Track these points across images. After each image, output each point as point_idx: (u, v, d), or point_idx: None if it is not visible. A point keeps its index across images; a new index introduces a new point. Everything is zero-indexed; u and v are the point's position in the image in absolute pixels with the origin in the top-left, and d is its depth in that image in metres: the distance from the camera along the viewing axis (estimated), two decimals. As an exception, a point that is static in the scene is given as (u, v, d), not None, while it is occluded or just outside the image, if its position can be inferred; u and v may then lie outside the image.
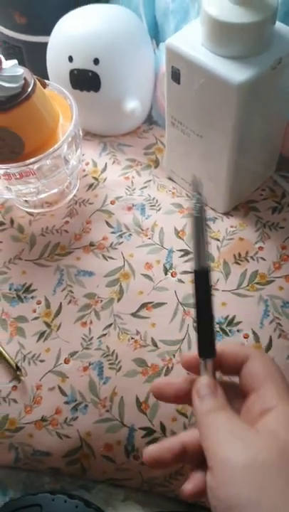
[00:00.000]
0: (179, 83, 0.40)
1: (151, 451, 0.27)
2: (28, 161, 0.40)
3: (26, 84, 0.39)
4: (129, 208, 0.48)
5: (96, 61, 0.46)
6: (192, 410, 0.29)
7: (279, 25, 0.39)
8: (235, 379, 0.28)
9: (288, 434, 0.24)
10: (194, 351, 0.28)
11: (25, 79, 0.39)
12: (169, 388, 0.29)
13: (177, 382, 0.29)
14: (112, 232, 0.47)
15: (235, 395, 0.28)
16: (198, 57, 0.37)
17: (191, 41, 0.38)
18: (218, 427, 0.25)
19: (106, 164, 0.52)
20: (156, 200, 0.49)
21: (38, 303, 0.44)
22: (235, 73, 0.36)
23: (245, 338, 0.40)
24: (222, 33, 0.36)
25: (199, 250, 0.26)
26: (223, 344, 0.29)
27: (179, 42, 0.38)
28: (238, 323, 0.41)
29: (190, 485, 0.26)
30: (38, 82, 0.40)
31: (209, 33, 0.36)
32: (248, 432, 0.24)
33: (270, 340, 0.40)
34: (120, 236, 0.46)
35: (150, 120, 0.56)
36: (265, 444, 0.23)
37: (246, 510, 0.22)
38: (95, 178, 0.50)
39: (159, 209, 0.48)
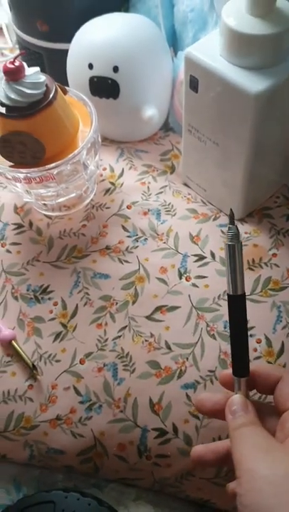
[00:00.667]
0: (196, 92, 0.41)
1: (198, 449, 0.31)
2: (48, 166, 0.41)
3: (48, 90, 0.40)
4: (145, 213, 0.49)
5: (115, 69, 0.47)
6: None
7: (297, 35, 0.39)
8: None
9: None
10: (230, 370, 0.30)
11: (46, 86, 0.40)
12: (208, 400, 0.31)
13: (216, 396, 0.31)
14: (128, 236, 0.48)
15: (270, 414, 0.30)
16: (217, 67, 0.38)
17: (209, 51, 0.39)
18: (245, 440, 0.27)
19: (123, 170, 0.53)
20: (172, 206, 0.50)
21: (55, 304, 0.45)
22: (253, 83, 0.36)
23: (257, 343, 0.41)
24: (240, 44, 0.36)
25: (234, 276, 0.28)
26: (257, 364, 0.31)
27: (198, 52, 0.39)
28: (251, 328, 0.42)
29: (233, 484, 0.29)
30: (59, 89, 0.41)
31: (227, 44, 0.37)
32: (273, 445, 0.27)
33: (283, 345, 0.41)
34: (136, 240, 0.47)
35: (167, 127, 0.56)
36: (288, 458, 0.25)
37: None
38: (112, 183, 0.51)
39: (175, 214, 0.49)
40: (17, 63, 0.38)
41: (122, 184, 0.51)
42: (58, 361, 0.42)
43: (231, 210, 0.29)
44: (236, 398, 0.30)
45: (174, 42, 0.54)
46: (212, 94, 0.39)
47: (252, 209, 0.49)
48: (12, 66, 0.38)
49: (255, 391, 0.32)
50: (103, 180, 0.52)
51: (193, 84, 0.40)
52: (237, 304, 0.29)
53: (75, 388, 0.41)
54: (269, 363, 0.40)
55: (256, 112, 0.37)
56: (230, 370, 0.31)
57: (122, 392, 0.40)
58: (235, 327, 0.30)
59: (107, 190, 0.51)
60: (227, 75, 0.37)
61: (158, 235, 0.47)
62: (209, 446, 0.31)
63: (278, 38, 0.36)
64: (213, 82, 0.38)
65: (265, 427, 0.28)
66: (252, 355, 0.41)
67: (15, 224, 0.49)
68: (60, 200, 0.47)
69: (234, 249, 0.28)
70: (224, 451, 0.30)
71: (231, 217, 0.28)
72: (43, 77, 0.40)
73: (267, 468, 0.25)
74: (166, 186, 0.51)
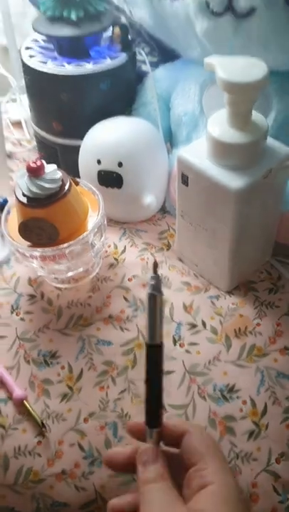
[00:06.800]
0: (187, 186, 0.48)
1: (114, 503, 0.30)
2: (61, 246, 0.48)
3: (63, 184, 0.47)
4: (144, 285, 0.55)
5: (120, 164, 0.55)
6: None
7: (270, 140, 0.47)
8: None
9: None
10: (140, 420, 0.31)
11: (62, 180, 0.48)
12: (118, 457, 0.31)
13: (127, 450, 0.31)
14: (129, 306, 0.53)
15: (180, 465, 0.29)
16: (203, 168, 0.45)
17: (198, 154, 0.46)
18: (152, 498, 0.27)
19: (125, 247, 0.59)
20: (168, 279, 0.56)
21: (62, 368, 0.50)
22: (233, 181, 0.44)
23: (243, 404, 0.46)
24: (222, 150, 0.44)
25: (153, 326, 0.29)
26: (166, 417, 0.31)
27: (188, 154, 0.47)
28: (238, 390, 0.47)
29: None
30: (72, 182, 0.49)
31: (212, 149, 0.45)
32: (179, 508, 0.26)
33: (266, 406, 0.46)
34: (136, 310, 0.53)
35: (164, 210, 0.64)
36: None
37: None
38: (116, 259, 0.58)
39: (170, 286, 0.55)
40: (38, 163, 0.46)
41: (124, 259, 0.58)
42: (64, 420, 0.47)
43: (155, 260, 0.30)
44: (147, 449, 0.29)
45: (171, 139, 0.63)
46: (200, 189, 0.47)
47: (238, 283, 0.55)
48: (34, 165, 0.46)
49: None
50: (108, 256, 0.59)
51: (185, 179, 0.48)
52: (154, 353, 0.29)
53: (79, 445, 0.45)
54: (254, 422, 0.45)
55: (237, 204, 0.45)
56: (139, 422, 0.31)
57: (121, 449, 0.44)
58: (151, 378, 0.30)
59: (111, 265, 0.58)
60: (212, 174, 0.45)
61: (155, 305, 0.53)
62: (126, 499, 0.29)
63: (254, 145, 0.44)
64: (200, 179, 0.46)
65: (175, 479, 0.28)
66: (238, 415, 0.45)
67: (29, 295, 0.56)
68: (70, 274, 0.53)
69: (154, 299, 0.28)
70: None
71: (154, 267, 0.28)
72: (59, 174, 0.47)
73: None
74: (163, 261, 0.58)
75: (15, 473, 0.44)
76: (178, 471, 0.29)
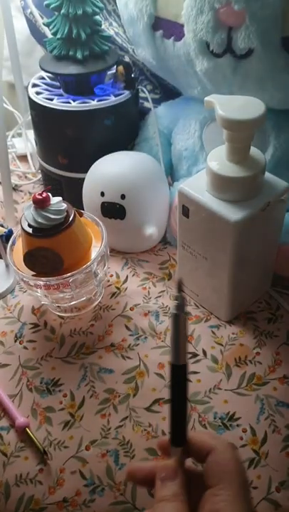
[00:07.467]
0: (188, 218, 0.50)
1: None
2: (64, 275, 0.49)
3: (68, 215, 0.49)
4: (146, 314, 0.56)
5: (123, 196, 0.57)
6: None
7: (268, 174, 0.49)
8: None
9: None
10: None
11: (67, 211, 0.49)
12: (139, 471, 0.31)
13: (148, 466, 0.30)
14: (131, 335, 0.54)
15: (203, 485, 0.29)
16: (204, 200, 0.47)
17: (198, 187, 0.48)
18: None
19: (127, 276, 0.61)
20: (169, 308, 0.57)
21: (64, 396, 0.50)
22: (232, 214, 0.45)
23: (243, 432, 0.46)
24: (221, 184, 0.46)
25: (177, 346, 0.28)
26: (195, 432, 0.31)
27: (189, 187, 0.49)
28: (238, 418, 0.47)
29: None
30: (76, 214, 0.51)
31: (211, 183, 0.47)
32: None
33: (266, 434, 0.46)
34: (137, 338, 0.54)
35: (165, 240, 0.66)
36: None
37: None
38: (118, 288, 0.59)
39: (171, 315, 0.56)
40: (44, 195, 0.48)
41: (126, 289, 0.59)
42: (66, 447, 0.47)
43: (180, 279, 0.29)
44: (166, 464, 0.29)
45: (171, 172, 0.65)
46: (200, 220, 0.49)
47: (238, 312, 0.56)
48: (40, 197, 0.47)
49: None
50: (110, 285, 0.60)
51: (185, 211, 0.50)
52: (178, 373, 0.29)
53: (80, 472, 0.45)
54: (254, 450, 0.45)
55: (235, 235, 0.46)
56: (167, 438, 0.31)
57: (122, 477, 0.45)
58: (175, 397, 0.29)
59: (113, 294, 0.59)
60: (211, 206, 0.47)
61: (157, 333, 0.54)
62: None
63: (252, 179, 0.46)
64: (200, 211, 0.48)
65: (196, 497, 0.28)
66: (238, 443, 0.46)
67: (32, 324, 0.57)
68: (73, 302, 0.54)
69: (178, 319, 0.27)
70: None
71: (179, 286, 0.28)
72: (64, 205, 0.49)
73: None
74: (164, 291, 0.59)
75: (16, 502, 0.45)
76: (200, 489, 0.28)
